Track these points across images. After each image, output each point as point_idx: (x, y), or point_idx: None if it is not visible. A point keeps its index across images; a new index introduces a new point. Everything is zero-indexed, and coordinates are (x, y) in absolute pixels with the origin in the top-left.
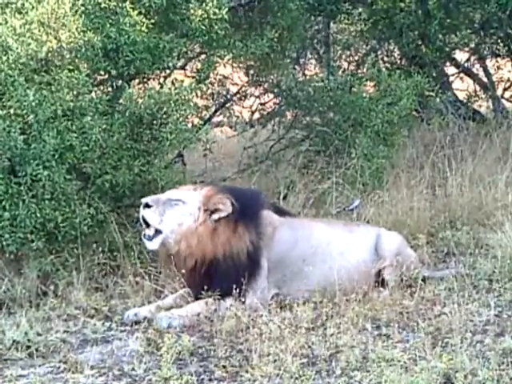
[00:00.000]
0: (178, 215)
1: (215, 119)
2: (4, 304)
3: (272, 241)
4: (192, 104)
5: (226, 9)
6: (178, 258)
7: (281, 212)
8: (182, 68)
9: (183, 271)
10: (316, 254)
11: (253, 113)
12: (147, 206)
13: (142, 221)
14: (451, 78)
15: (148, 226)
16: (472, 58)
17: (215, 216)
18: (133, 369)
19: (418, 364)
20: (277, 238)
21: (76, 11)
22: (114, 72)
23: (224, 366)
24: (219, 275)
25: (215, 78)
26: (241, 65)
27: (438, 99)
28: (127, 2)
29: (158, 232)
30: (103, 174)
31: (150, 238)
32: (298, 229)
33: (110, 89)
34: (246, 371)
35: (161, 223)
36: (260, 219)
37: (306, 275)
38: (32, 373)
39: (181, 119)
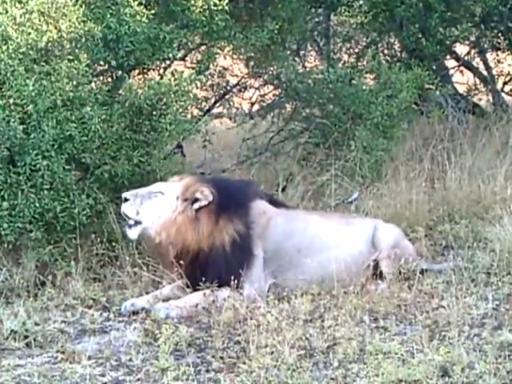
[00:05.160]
0: (155, 206)
1: (215, 110)
2: (2, 294)
3: (267, 230)
4: (192, 95)
5: (227, 0)
6: (161, 248)
7: (276, 203)
8: (182, 59)
9: (181, 262)
10: (312, 245)
11: (252, 104)
12: (126, 200)
13: (123, 215)
14: (451, 71)
15: (129, 218)
16: (472, 52)
17: (196, 205)
18: (130, 359)
19: (416, 357)
20: (272, 228)
21: (76, 1)
22: (113, 62)
23: (221, 357)
24: (210, 267)
25: (215, 70)
26: (241, 56)
27: (437, 92)
28: None
29: (137, 223)
30: (102, 164)
31: (130, 227)
32: (294, 220)
33: (109, 79)
34: (244, 362)
35: (138, 215)
36: (248, 209)
37: (302, 266)
38: (29, 363)
39: (180, 110)
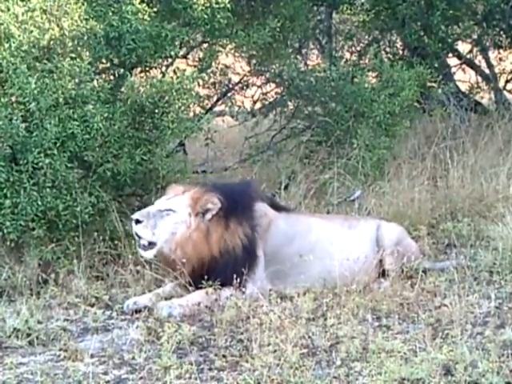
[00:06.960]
0: (169, 225)
1: (217, 108)
2: (5, 292)
3: (267, 233)
4: (194, 93)
5: None
6: (176, 264)
7: (277, 207)
8: (184, 57)
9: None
10: (314, 250)
11: (254, 102)
12: (138, 221)
13: (135, 236)
14: (453, 69)
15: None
16: (474, 50)
17: (208, 216)
18: (133, 357)
19: (418, 355)
20: (272, 231)
21: None
22: (116, 60)
23: (224, 356)
24: (218, 270)
25: (217, 68)
26: (243, 54)
27: (439, 90)
28: None
29: (152, 244)
30: (104, 162)
31: (145, 249)
32: (296, 224)
33: (111, 77)
34: (246, 361)
35: (153, 236)
36: (252, 211)
37: (304, 271)
38: (32, 361)
39: (182, 108)
